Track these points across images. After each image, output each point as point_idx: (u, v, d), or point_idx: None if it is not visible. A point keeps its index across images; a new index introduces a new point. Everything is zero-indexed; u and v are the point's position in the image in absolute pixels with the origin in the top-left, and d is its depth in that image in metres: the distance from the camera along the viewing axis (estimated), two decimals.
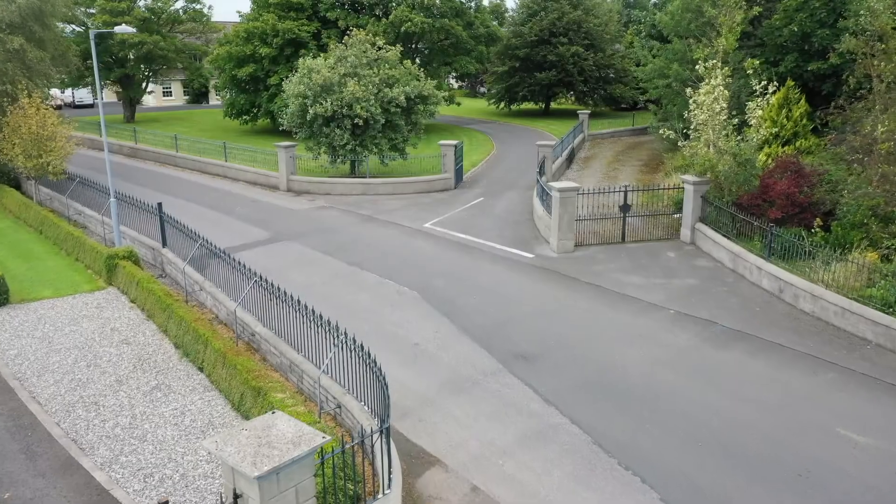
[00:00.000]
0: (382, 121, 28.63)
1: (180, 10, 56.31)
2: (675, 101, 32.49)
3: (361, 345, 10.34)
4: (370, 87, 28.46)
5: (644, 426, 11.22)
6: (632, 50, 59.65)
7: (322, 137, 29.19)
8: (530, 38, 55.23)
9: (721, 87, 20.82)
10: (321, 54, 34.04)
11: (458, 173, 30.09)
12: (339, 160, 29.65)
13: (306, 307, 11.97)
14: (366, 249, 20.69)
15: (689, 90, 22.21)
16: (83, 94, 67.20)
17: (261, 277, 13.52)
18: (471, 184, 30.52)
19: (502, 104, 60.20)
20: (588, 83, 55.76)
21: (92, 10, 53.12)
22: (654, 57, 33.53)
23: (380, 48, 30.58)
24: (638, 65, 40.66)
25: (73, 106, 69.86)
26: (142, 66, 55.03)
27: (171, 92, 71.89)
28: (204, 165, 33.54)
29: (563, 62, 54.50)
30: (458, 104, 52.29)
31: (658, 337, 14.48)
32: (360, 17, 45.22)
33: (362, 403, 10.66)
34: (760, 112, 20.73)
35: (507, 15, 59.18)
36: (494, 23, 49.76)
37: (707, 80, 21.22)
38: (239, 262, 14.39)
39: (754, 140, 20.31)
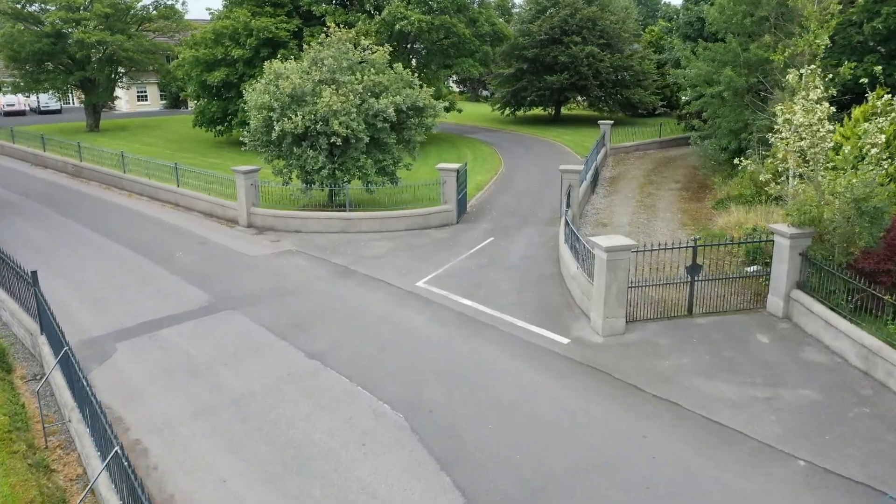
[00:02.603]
0: (366, 139, 22.92)
1: (150, 7, 50.57)
2: (725, 114, 26.76)
3: None
4: (351, 96, 22.75)
5: None
6: (650, 52, 54.10)
7: (292, 159, 23.51)
8: (539, 38, 49.63)
9: (826, 104, 15.11)
10: (301, 55, 28.41)
11: (461, 203, 24.36)
12: (313, 187, 23.95)
13: None
14: (335, 327, 14.95)
15: (779, 108, 16.38)
16: (47, 99, 61.51)
17: (122, 449, 7.75)
18: (476, 216, 24.77)
19: (508, 110, 54.52)
20: (604, 87, 50.01)
21: (50, 7, 47.30)
22: (696, 58, 27.73)
23: (364, 49, 24.85)
24: (677, 66, 35.00)
25: (39, 111, 64.17)
26: (106, 68, 49.22)
27: (146, 96, 66.18)
28: (154, 191, 27.79)
29: (577, 63, 48.82)
30: (460, 111, 46.62)
31: None
32: (350, 13, 39.51)
33: None
34: (883, 137, 14.93)
35: (513, 12, 53.50)
36: (501, 20, 44.02)
37: (805, 93, 15.49)
38: (100, 406, 8.62)
39: (875, 176, 14.55)
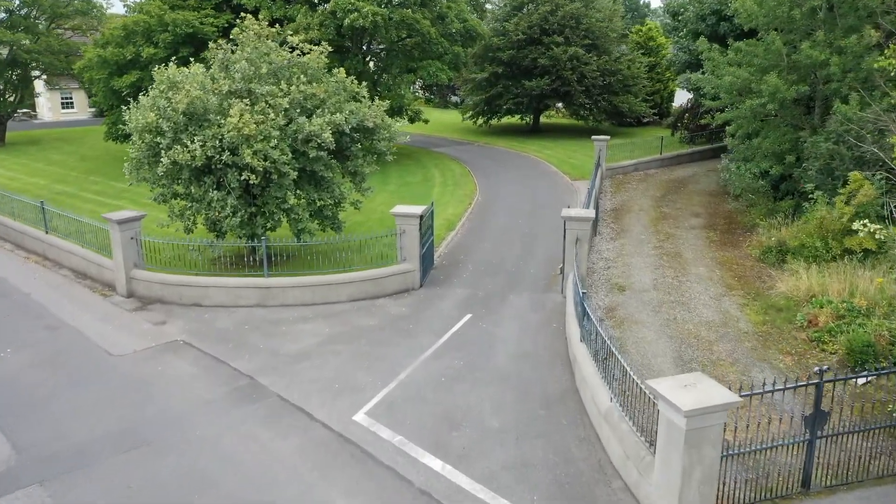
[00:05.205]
0: (294, 173, 16.48)
1: (63, 1, 43.29)
2: (767, 132, 20.87)
3: None
4: (272, 114, 16.32)
5: None
6: (638, 54, 48.38)
7: (192, 201, 17.01)
8: (516, 37, 43.45)
9: None
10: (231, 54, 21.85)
11: (427, 258, 18.01)
12: (219, 242, 17.46)
13: None
14: None
15: None
16: None
17: None
18: (447, 273, 18.43)
19: (481, 119, 48.29)
20: (590, 93, 44.04)
21: None
22: (726, 61, 21.78)
23: (293, 48, 18.39)
24: (694, 69, 29.16)
25: None
26: (7, 72, 41.84)
27: (71, 103, 58.48)
28: (19, 236, 20.97)
29: (559, 67, 42.78)
30: (426, 121, 40.27)
31: None
32: (290, 6, 32.87)
33: None
34: None
35: (487, 8, 47.31)
36: (473, 16, 37.78)
37: None
38: None
39: None
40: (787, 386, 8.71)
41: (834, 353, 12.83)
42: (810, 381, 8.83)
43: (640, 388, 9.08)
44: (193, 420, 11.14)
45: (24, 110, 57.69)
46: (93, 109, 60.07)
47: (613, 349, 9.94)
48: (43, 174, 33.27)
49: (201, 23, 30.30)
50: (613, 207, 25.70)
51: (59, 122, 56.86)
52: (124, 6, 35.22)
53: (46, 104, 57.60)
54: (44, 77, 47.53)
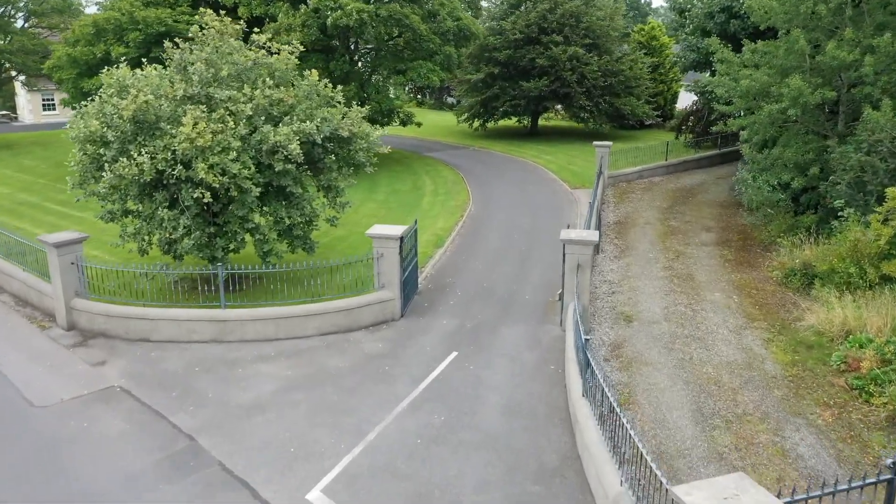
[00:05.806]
0: (258, 189, 14.51)
1: None
2: (788, 141, 18.91)
3: None
4: (233, 123, 14.34)
5: None
6: (640, 54, 46.41)
7: (141, 220, 15.06)
8: (514, 37, 41.50)
9: None
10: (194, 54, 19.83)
11: (408, 283, 16.00)
12: (168, 270, 15.48)
13: None
14: None
15: None
16: None
17: None
18: (432, 299, 16.43)
19: (476, 122, 46.29)
20: (590, 95, 42.03)
21: None
22: (741, 61, 19.82)
23: (261, 47, 16.40)
24: (702, 68, 27.21)
25: None
26: None
27: (53, 105, 56.47)
28: None
29: (558, 67, 40.81)
30: (419, 124, 38.30)
31: None
32: (271, 4, 30.87)
33: None
34: None
35: (483, 5, 45.33)
36: (468, 14, 35.76)
37: None
38: None
39: None
40: (853, 485, 6.73)
41: (881, 408, 10.87)
42: (881, 479, 6.86)
43: (660, 477, 7.11)
44: (112, 500, 9.16)
45: (4, 112, 55.87)
46: (75, 111, 58.21)
47: (625, 421, 7.96)
48: (9, 182, 31.29)
49: (175, 21, 28.32)
50: (617, 220, 23.71)
51: (40, 125, 54.82)
52: (96, 4, 33.26)
53: (27, 106, 55.68)
54: (21, 78, 45.78)
